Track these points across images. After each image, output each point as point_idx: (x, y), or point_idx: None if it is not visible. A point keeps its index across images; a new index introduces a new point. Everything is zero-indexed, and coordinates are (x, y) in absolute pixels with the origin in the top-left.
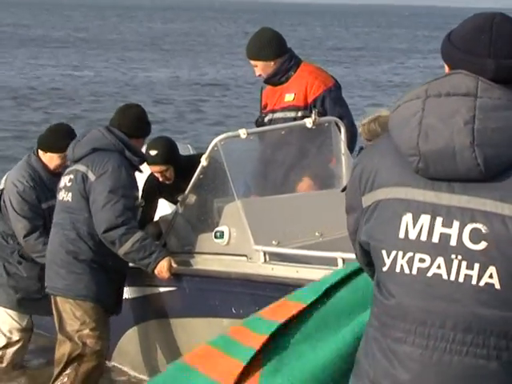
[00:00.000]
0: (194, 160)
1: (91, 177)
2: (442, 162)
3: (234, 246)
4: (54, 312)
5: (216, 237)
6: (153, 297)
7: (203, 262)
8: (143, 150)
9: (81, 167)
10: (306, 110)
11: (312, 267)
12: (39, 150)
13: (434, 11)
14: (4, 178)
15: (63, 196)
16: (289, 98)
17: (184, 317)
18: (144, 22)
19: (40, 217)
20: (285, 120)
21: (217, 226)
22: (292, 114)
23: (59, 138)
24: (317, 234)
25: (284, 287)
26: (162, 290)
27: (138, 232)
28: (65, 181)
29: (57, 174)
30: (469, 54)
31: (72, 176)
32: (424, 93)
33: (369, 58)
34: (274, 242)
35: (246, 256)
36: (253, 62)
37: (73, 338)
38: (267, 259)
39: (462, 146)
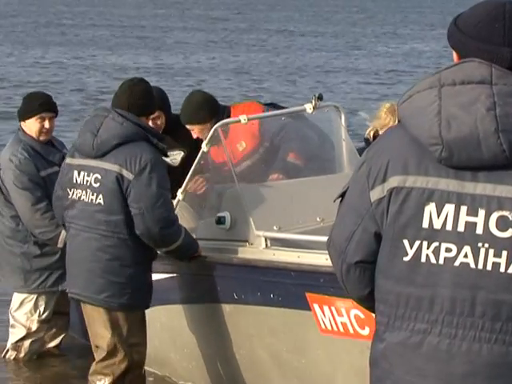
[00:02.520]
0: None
1: (128, 175)
2: (467, 150)
3: (235, 231)
4: (94, 322)
5: (218, 222)
6: (154, 283)
7: (205, 248)
8: None
9: (111, 166)
10: (264, 142)
11: (313, 252)
12: (21, 123)
13: None
14: None
15: (91, 198)
16: (240, 147)
17: (186, 303)
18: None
19: (40, 187)
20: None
21: (218, 211)
22: (257, 156)
23: (31, 102)
24: (318, 219)
25: (286, 272)
26: (163, 276)
27: (182, 227)
28: (87, 179)
29: (48, 142)
30: (483, 42)
31: (99, 176)
32: (437, 82)
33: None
34: (275, 228)
35: (247, 241)
36: (189, 127)
37: (119, 351)
38: (268, 245)
39: (486, 133)
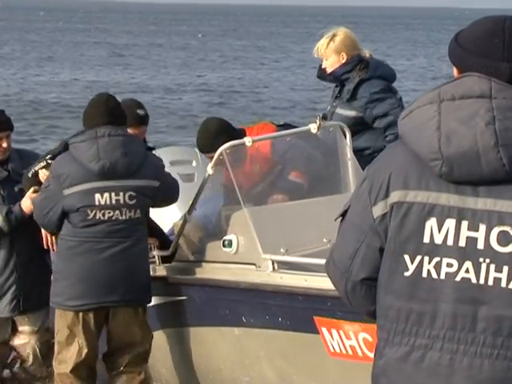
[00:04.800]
0: None
1: (155, 184)
2: (467, 165)
3: (242, 254)
4: (141, 322)
5: (224, 246)
6: (162, 306)
7: (212, 271)
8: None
9: (144, 182)
10: (278, 165)
11: (320, 275)
12: None
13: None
14: None
15: (129, 215)
16: (256, 169)
17: (194, 326)
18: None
19: None
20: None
21: (225, 234)
22: (270, 178)
23: None
24: (325, 240)
25: (293, 296)
26: (171, 299)
27: None
28: (117, 198)
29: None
30: (483, 57)
31: (133, 193)
32: (437, 97)
33: None
34: (282, 250)
35: (254, 265)
36: (208, 155)
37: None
38: (276, 268)
39: (486, 147)
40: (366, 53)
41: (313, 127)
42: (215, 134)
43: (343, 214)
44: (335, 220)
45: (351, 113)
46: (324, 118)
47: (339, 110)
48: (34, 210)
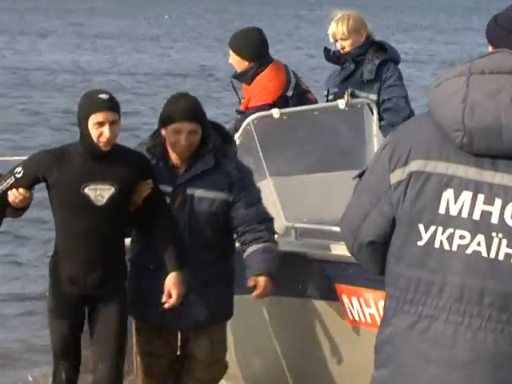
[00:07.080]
0: None
1: None
2: (488, 138)
3: None
4: None
5: None
6: None
7: None
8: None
9: None
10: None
11: (342, 243)
12: None
13: None
14: None
15: None
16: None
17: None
18: None
19: None
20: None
21: None
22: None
23: None
24: None
25: (315, 263)
26: None
27: None
28: None
29: None
30: None
31: None
32: (467, 70)
33: None
34: (304, 220)
35: (276, 233)
36: (231, 52)
37: None
38: (298, 236)
39: (509, 123)
40: (373, 32)
41: (341, 103)
42: (254, 42)
43: (360, 175)
44: (353, 179)
45: (373, 96)
46: (352, 94)
47: (358, 93)
48: None
